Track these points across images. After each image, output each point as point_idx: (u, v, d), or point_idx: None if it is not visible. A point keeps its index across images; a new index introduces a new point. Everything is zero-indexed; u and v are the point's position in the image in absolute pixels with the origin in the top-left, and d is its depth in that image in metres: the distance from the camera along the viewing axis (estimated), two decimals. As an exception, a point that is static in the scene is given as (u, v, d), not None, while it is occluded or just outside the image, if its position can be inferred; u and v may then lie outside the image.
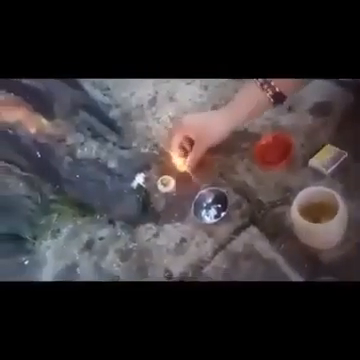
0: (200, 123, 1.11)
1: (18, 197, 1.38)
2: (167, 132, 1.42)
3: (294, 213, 0.87)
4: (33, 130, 1.17)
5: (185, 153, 1.19)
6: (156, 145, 1.42)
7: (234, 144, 1.26)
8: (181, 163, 1.19)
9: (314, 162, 1.07)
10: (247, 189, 1.12)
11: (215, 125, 1.10)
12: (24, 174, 1.32)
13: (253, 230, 1.02)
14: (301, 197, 0.89)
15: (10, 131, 1.16)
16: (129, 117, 1.58)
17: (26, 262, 1.36)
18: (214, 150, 1.27)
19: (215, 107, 1.39)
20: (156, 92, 1.62)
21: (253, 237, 1.01)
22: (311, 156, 1.08)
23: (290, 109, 1.23)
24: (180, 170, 1.20)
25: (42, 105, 1.16)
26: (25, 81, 1.12)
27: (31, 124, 1.16)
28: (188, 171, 1.16)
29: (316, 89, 1.20)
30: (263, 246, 0.98)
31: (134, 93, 1.66)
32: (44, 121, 1.18)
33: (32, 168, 1.29)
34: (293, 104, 1.23)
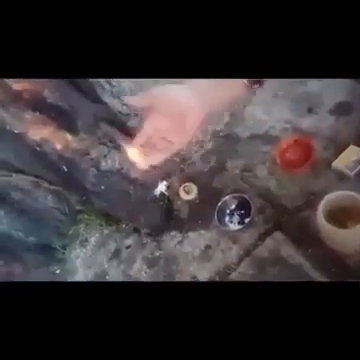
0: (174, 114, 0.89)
1: (47, 209, 1.45)
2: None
3: (320, 219, 0.87)
4: (59, 146, 1.22)
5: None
6: (176, 153, 1.44)
7: (254, 148, 1.26)
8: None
9: (338, 164, 1.06)
10: (270, 194, 1.12)
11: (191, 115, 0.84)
12: (52, 187, 1.38)
13: (278, 235, 1.03)
14: (326, 202, 0.89)
15: (38, 148, 1.21)
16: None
17: (57, 271, 1.42)
18: (235, 155, 1.28)
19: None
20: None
21: (279, 242, 1.01)
22: (334, 158, 1.07)
23: (310, 111, 1.22)
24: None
25: (66, 122, 1.21)
26: (50, 100, 1.17)
27: (57, 140, 1.21)
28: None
29: (335, 89, 1.19)
30: (289, 251, 0.99)
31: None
32: (69, 137, 1.22)
33: (59, 181, 1.35)
34: (313, 105, 1.22)
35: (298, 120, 1.22)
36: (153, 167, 0.87)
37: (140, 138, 0.86)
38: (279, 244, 1.01)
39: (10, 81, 1.09)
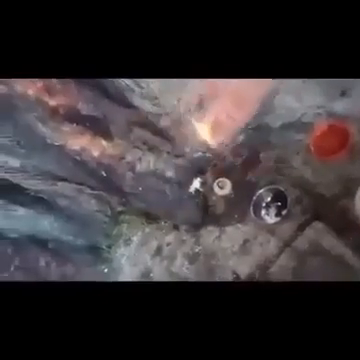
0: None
1: (91, 212, 1.54)
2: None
3: (358, 206, 0.84)
4: (96, 153, 1.29)
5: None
6: (208, 148, 1.45)
7: (287, 137, 1.24)
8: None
9: (377, 147, 1.01)
10: (306, 183, 1.10)
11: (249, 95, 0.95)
12: (94, 192, 1.46)
13: (318, 225, 1.01)
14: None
15: (77, 157, 1.29)
16: (179, 123, 1.63)
17: (106, 270, 1.51)
18: (267, 146, 1.26)
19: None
20: (201, 94, 1.64)
21: (318, 233, 1.00)
22: (373, 141, 1.02)
23: (343, 94, 1.16)
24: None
25: (101, 130, 1.28)
26: (84, 111, 1.24)
27: (94, 148, 1.28)
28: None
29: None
30: (330, 241, 0.97)
31: (181, 99, 1.69)
32: (104, 143, 1.29)
33: (100, 186, 1.43)
34: (346, 88, 1.16)
35: (331, 104, 1.17)
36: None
37: (209, 118, 0.97)
38: (319, 234, 0.99)
39: (46, 99, 1.17)
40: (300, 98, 1.26)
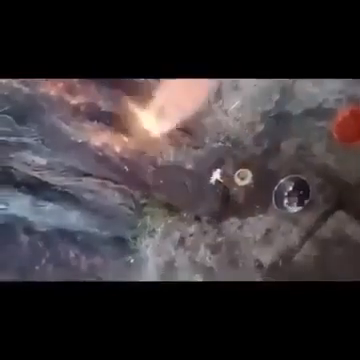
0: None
1: (116, 205, 1.59)
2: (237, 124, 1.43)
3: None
4: (118, 148, 1.33)
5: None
6: (227, 138, 1.45)
7: (309, 125, 1.21)
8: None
9: None
10: (329, 171, 1.08)
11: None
12: (117, 186, 1.50)
13: (341, 214, 1.00)
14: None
15: (100, 153, 1.33)
16: (197, 114, 1.63)
17: (132, 261, 1.56)
18: (288, 134, 1.25)
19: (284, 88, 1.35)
20: (220, 83, 1.63)
21: (342, 221, 0.99)
22: None
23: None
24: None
25: (121, 125, 1.31)
26: (104, 108, 1.27)
27: (115, 144, 1.32)
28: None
29: None
30: (354, 229, 0.96)
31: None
32: (125, 139, 1.32)
33: (123, 180, 1.47)
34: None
35: (352, 89, 1.13)
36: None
37: (154, 106, 0.91)
38: (342, 223, 0.98)
39: (68, 98, 1.21)
40: (320, 83, 1.23)
